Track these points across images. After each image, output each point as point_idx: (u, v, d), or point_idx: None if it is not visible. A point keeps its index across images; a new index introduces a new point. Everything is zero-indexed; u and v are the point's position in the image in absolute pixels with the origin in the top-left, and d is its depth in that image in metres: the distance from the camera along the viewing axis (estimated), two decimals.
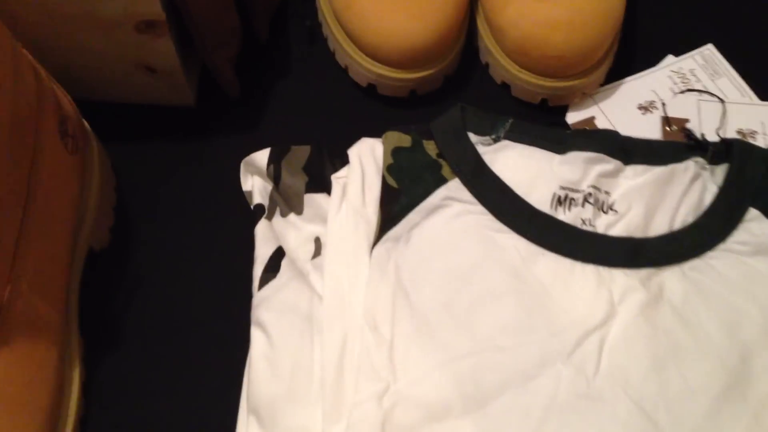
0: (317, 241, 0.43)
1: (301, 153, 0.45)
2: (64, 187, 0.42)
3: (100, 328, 0.44)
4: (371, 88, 0.50)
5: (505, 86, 0.50)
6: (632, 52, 0.52)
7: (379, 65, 0.48)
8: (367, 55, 0.49)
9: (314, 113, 0.51)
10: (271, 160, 0.44)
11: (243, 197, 0.47)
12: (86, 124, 0.46)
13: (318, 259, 0.42)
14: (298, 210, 0.44)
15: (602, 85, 0.50)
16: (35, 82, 0.40)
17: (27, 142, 0.39)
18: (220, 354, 0.43)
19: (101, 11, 0.43)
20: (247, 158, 0.46)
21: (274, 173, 0.44)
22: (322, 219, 0.43)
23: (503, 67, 0.49)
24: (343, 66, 0.51)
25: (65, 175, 0.42)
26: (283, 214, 0.44)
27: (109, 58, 0.47)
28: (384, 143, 0.44)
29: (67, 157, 0.42)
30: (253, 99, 0.51)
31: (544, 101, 0.49)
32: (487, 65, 0.51)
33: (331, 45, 0.52)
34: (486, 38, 0.51)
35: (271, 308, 0.41)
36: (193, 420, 0.42)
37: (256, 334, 0.40)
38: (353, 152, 0.44)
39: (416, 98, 0.50)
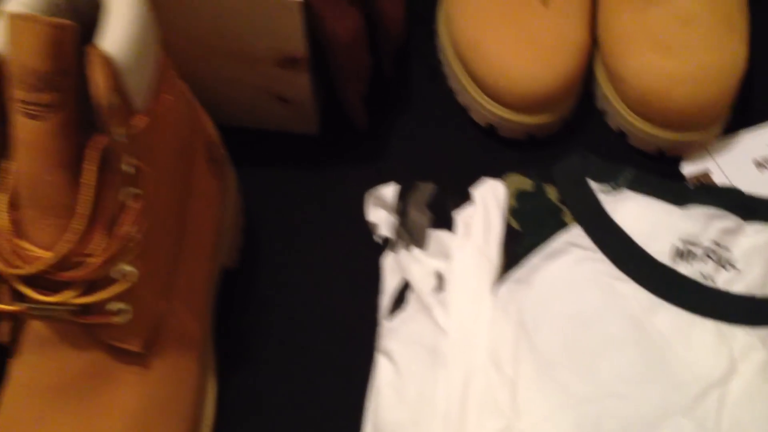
0: (439, 276, 0.45)
1: (425, 190, 0.47)
2: (209, 209, 0.45)
3: (229, 344, 0.47)
4: (491, 129, 0.52)
5: (622, 134, 0.52)
6: (751, 103, 0.53)
7: (501, 108, 0.50)
8: (489, 96, 0.51)
9: (434, 150, 0.53)
10: (399, 195, 0.47)
11: (364, 226, 0.49)
12: (224, 149, 0.49)
13: (441, 294, 0.44)
14: (422, 245, 0.46)
15: (719, 136, 0.52)
16: (189, 110, 0.44)
17: (185, 167, 0.42)
18: (343, 378, 0.45)
19: (251, 48, 0.46)
20: (374, 191, 0.48)
21: (401, 208, 0.46)
22: (445, 255, 0.45)
23: (621, 116, 0.51)
24: (463, 105, 0.53)
25: (210, 199, 0.45)
26: (407, 248, 0.46)
27: (248, 89, 0.50)
28: (506, 185, 0.46)
29: (211, 181, 0.45)
30: (375, 132, 0.54)
31: (660, 151, 0.51)
32: (603, 112, 0.53)
33: (452, 84, 0.54)
34: (604, 86, 0.52)
35: (398, 339, 0.43)
36: None
37: (382, 362, 0.43)
38: (477, 193, 0.46)
39: (534, 141, 0.52)
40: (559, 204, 0.45)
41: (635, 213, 0.45)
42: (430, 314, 0.43)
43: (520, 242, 0.44)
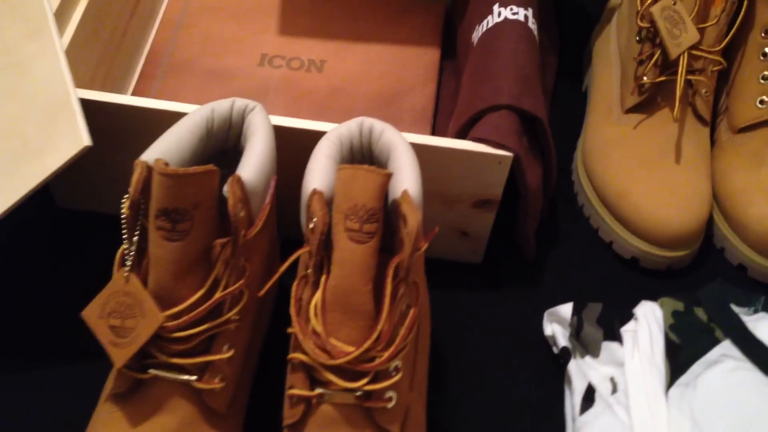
0: (612, 381, 0.54)
1: (594, 308, 0.57)
2: (426, 318, 0.54)
3: None
4: (633, 261, 0.63)
5: (742, 267, 0.63)
6: None
7: (647, 244, 0.61)
8: (635, 234, 0.62)
9: (582, 277, 0.63)
10: (575, 312, 0.57)
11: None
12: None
13: (616, 395, 0.53)
14: (595, 354, 0.55)
15: None
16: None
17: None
18: None
19: (455, 192, 0.57)
20: (551, 310, 0.58)
21: (577, 323, 0.56)
22: (615, 363, 0.55)
23: (741, 252, 0.62)
24: (607, 241, 0.64)
25: (426, 309, 0.54)
26: (582, 356, 0.56)
27: (439, 225, 0.61)
28: (662, 306, 0.56)
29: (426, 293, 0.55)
30: (532, 264, 0.64)
31: None
32: (722, 249, 0.64)
33: (595, 223, 0.65)
34: (723, 228, 0.64)
35: (593, 430, 0.51)
36: None
37: None
38: (639, 311, 0.56)
39: (671, 272, 0.63)
40: (709, 323, 0.55)
41: None
42: (612, 411, 0.52)
43: (680, 353, 0.54)
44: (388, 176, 0.43)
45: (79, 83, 0.62)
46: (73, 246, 0.63)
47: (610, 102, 0.66)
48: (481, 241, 0.62)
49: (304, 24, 0.75)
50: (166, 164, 0.42)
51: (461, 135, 0.57)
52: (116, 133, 0.56)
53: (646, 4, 0.61)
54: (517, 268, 0.64)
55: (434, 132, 0.68)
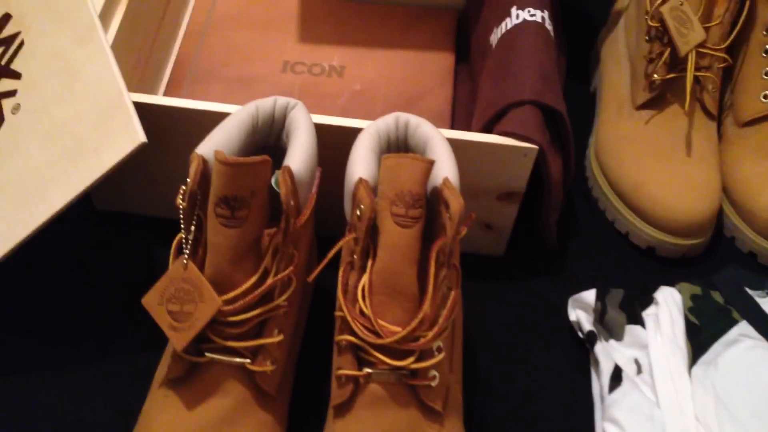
0: (637, 362, 0.57)
1: (616, 294, 0.60)
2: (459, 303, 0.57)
3: None
4: (650, 250, 0.66)
5: (752, 254, 0.66)
6: None
7: (663, 234, 0.64)
8: (652, 225, 0.65)
9: (601, 267, 0.66)
10: (598, 298, 0.59)
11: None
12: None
13: (642, 376, 0.56)
14: (619, 337, 0.58)
15: None
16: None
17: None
18: None
19: (480, 185, 0.60)
20: (575, 296, 0.61)
21: (601, 308, 0.59)
22: (639, 345, 0.57)
23: (751, 240, 0.65)
24: (623, 232, 0.67)
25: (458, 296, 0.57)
26: (606, 339, 0.58)
27: None
28: (680, 291, 0.59)
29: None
30: (551, 254, 0.67)
31: None
32: (732, 237, 0.67)
33: (610, 215, 0.68)
34: (732, 217, 0.67)
35: (622, 408, 0.54)
36: None
37: (610, 428, 0.54)
38: (659, 296, 0.59)
39: (685, 260, 0.66)
40: (726, 305, 0.58)
41: None
42: (639, 390, 0.55)
43: (701, 334, 0.57)
44: (432, 163, 0.46)
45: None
46: (113, 246, 0.65)
47: (621, 99, 0.70)
48: (504, 234, 0.65)
49: (323, 32, 0.78)
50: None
51: (485, 131, 0.60)
52: (153, 134, 0.59)
53: (656, 4, 0.64)
54: (539, 258, 0.67)
55: None
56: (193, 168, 0.46)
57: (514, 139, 0.57)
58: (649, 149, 0.66)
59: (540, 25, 0.62)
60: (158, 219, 0.66)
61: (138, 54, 0.69)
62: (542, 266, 0.66)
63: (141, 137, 0.49)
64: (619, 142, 0.68)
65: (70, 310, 0.62)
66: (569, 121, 0.60)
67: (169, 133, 0.59)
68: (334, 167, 0.57)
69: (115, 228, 0.66)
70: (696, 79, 0.66)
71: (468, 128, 0.71)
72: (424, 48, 0.77)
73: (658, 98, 0.67)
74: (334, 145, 0.57)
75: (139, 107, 0.56)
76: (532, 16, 0.62)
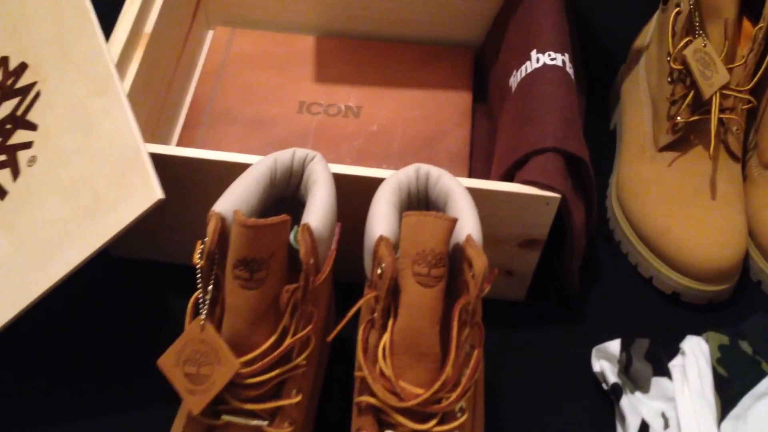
0: (664, 416, 0.55)
1: (642, 344, 0.58)
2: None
3: None
4: (675, 295, 0.64)
5: None
6: None
7: (689, 279, 0.63)
8: (676, 270, 0.63)
9: (624, 313, 0.65)
10: (623, 348, 0.58)
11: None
12: None
13: (669, 431, 0.54)
14: (645, 389, 0.57)
15: None
16: None
17: None
18: None
19: (501, 233, 0.59)
20: (599, 346, 0.59)
21: (626, 359, 0.58)
22: (665, 398, 0.56)
23: None
24: (646, 276, 0.66)
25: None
26: (632, 392, 0.57)
27: None
28: (708, 340, 0.58)
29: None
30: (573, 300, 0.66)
31: None
32: (759, 282, 0.66)
33: (633, 259, 0.67)
34: (759, 261, 0.65)
35: None
36: None
37: None
38: (686, 346, 0.58)
39: (712, 305, 0.64)
40: (755, 356, 0.57)
41: None
42: None
43: (729, 386, 0.55)
44: (454, 222, 0.45)
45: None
46: (128, 293, 0.64)
47: (642, 140, 0.69)
48: (525, 280, 0.64)
49: (339, 72, 0.77)
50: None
51: (506, 178, 0.59)
52: (169, 183, 0.58)
53: (679, 47, 0.63)
54: (560, 304, 0.65)
55: (470, 173, 0.70)
56: (211, 227, 0.45)
57: (536, 188, 0.56)
58: (673, 193, 0.65)
59: (560, 69, 0.61)
60: (174, 266, 0.66)
61: (155, 98, 0.69)
62: (564, 312, 0.65)
63: (158, 194, 0.48)
64: (641, 184, 0.67)
65: (83, 360, 0.61)
66: (592, 167, 0.59)
67: (185, 182, 0.58)
68: (353, 215, 0.56)
69: (131, 275, 0.66)
70: (720, 121, 0.65)
71: (486, 169, 0.70)
72: (441, 87, 0.76)
73: (681, 140, 0.66)
74: (353, 194, 0.56)
75: (156, 158, 0.56)
76: (552, 60, 0.61)
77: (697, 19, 0.63)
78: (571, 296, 0.65)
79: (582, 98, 0.77)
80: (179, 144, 0.72)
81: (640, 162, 0.68)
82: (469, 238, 0.46)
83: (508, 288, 0.65)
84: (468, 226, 0.47)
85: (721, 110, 0.65)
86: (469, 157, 0.71)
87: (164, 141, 0.72)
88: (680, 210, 0.64)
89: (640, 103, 0.71)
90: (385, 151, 0.72)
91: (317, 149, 0.71)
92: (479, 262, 0.45)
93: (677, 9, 0.64)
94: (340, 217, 0.56)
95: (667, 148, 0.66)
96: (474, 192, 0.56)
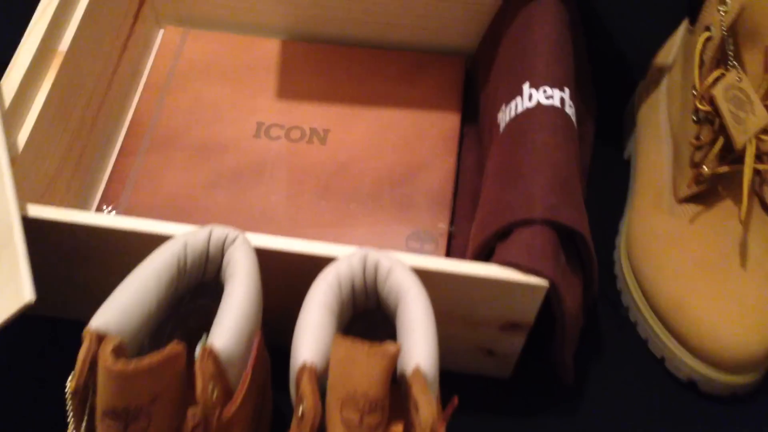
0: None
1: None
2: None
3: None
4: (691, 384, 0.53)
5: None
6: None
7: (708, 367, 0.52)
8: (692, 353, 0.52)
9: (630, 400, 0.54)
10: None
11: None
12: None
13: None
14: None
15: None
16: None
17: None
18: None
19: (481, 316, 0.48)
20: None
21: None
22: None
23: None
24: (658, 356, 0.55)
25: None
26: None
27: (462, 343, 0.52)
28: None
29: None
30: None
31: None
32: None
33: (643, 333, 0.56)
34: None
35: None
36: None
37: None
38: None
39: (735, 398, 0.53)
40: None
41: None
42: None
43: None
44: (395, 357, 0.34)
45: (45, 174, 0.54)
46: (45, 354, 0.55)
47: (660, 186, 0.57)
48: (509, 360, 0.53)
49: (305, 85, 0.66)
50: (118, 346, 0.34)
51: (485, 247, 0.48)
52: (78, 248, 0.48)
53: (707, 84, 0.51)
54: (551, 388, 0.55)
55: (453, 217, 0.59)
56: (82, 353, 0.34)
57: (518, 272, 0.45)
58: (694, 256, 0.53)
59: (557, 111, 0.49)
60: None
61: (81, 117, 0.58)
62: (555, 396, 0.54)
63: (28, 296, 0.38)
64: (656, 241, 0.55)
65: None
66: (587, 207, 0.48)
67: (94, 247, 0.48)
68: (297, 292, 0.45)
69: (47, 334, 0.56)
70: (755, 171, 0.53)
71: (471, 212, 0.58)
72: (425, 106, 0.64)
73: (706, 192, 0.54)
74: (286, 273, 0.46)
75: (55, 225, 0.45)
76: (548, 98, 0.50)
77: (731, 47, 0.51)
78: (566, 385, 0.54)
79: (591, 124, 0.64)
80: (113, 174, 0.61)
81: (656, 213, 0.56)
82: (416, 372, 0.35)
83: (490, 366, 0.54)
84: (417, 351, 0.37)
85: (758, 157, 0.52)
86: (453, 196, 0.60)
87: (93, 173, 0.61)
88: (701, 279, 0.52)
89: (658, 138, 0.59)
90: (354, 188, 0.60)
91: (274, 183, 0.60)
92: (426, 407, 0.34)
93: (707, 34, 0.51)
94: (279, 293, 0.46)
95: (690, 200, 0.55)
96: (444, 276, 0.45)
